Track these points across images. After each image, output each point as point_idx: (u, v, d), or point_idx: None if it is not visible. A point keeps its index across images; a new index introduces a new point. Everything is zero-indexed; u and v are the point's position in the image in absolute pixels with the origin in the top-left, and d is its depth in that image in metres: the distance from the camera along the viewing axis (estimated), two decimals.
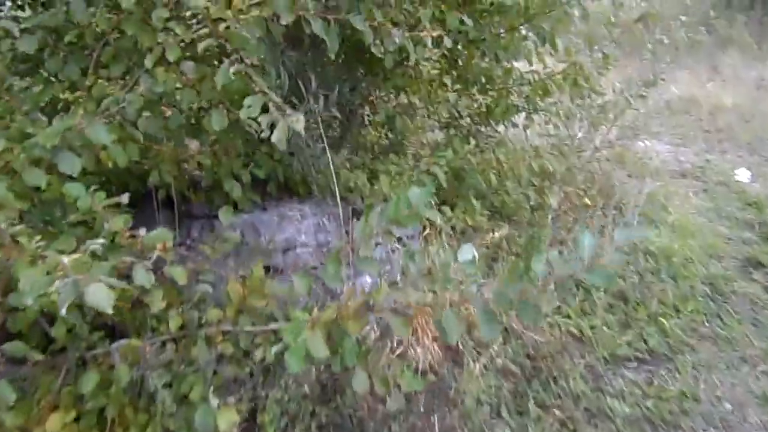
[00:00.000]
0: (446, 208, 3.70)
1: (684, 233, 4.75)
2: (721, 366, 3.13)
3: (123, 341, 2.09)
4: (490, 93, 4.05)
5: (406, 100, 3.80)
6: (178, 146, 2.76)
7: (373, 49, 2.09)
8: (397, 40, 2.18)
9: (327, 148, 2.71)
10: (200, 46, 1.83)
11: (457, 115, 4.65)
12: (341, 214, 2.85)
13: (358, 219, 3.17)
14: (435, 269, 2.11)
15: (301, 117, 1.69)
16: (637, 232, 1.47)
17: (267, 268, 2.97)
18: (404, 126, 3.43)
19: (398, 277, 3.18)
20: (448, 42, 2.33)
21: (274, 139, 1.67)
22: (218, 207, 3.08)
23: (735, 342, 3.37)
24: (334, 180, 2.69)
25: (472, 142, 4.65)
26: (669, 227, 4.84)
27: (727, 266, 4.30)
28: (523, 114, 4.42)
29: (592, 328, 3.41)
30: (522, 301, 1.52)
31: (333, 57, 2.03)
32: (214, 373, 1.90)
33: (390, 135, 4.00)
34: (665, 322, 3.45)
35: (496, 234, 3.74)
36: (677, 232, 4.76)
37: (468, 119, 4.72)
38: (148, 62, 1.88)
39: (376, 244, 2.97)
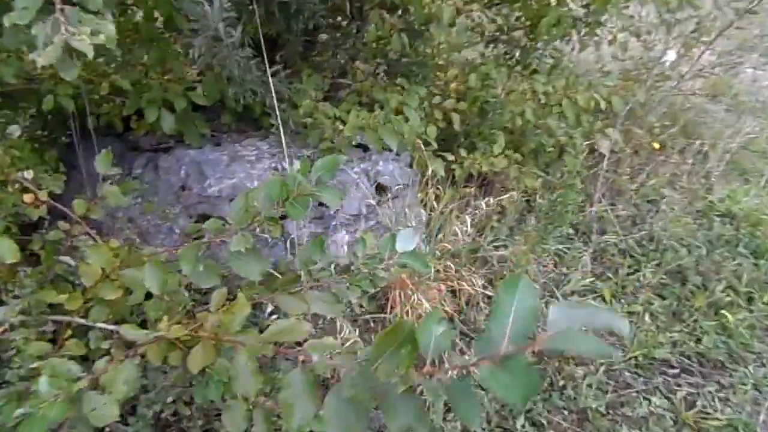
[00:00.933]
0: (463, 150, 2.97)
1: None
2: None
3: None
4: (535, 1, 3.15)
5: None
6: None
7: None
8: None
9: (268, 69, 2.05)
10: None
11: (505, 28, 3.79)
12: (286, 157, 2.23)
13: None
14: (358, 262, 1.49)
15: (88, 31, 1.05)
16: (595, 317, 0.69)
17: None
18: (404, 47, 2.66)
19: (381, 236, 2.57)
20: None
21: (44, 61, 1.05)
22: (167, 138, 2.59)
23: None
24: (277, 111, 2.05)
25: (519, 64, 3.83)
26: (763, 183, 3.86)
27: None
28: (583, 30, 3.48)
29: (630, 315, 2.69)
30: (393, 397, 0.88)
31: None
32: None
33: (404, 55, 3.22)
34: (729, 315, 2.66)
35: (512, 194, 2.98)
36: None
37: (520, 33, 3.83)
38: None
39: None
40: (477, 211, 2.99)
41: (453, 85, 2.95)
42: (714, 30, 3.96)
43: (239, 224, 1.31)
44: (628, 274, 2.96)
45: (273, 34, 2.76)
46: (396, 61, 3.44)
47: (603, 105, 2.93)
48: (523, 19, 3.55)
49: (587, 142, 3.61)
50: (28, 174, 1.91)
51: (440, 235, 2.67)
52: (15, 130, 2.02)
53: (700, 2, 3.87)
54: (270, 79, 2.06)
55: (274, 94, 2.05)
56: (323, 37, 3.15)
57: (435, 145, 2.63)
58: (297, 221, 2.40)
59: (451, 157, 2.73)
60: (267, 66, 2.06)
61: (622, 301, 2.79)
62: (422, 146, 2.48)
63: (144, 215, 2.50)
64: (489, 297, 2.52)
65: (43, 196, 1.82)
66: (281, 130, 2.08)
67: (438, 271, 2.49)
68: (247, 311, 1.22)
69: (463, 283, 2.52)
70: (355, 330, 2.12)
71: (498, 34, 3.83)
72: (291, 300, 1.37)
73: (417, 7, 2.29)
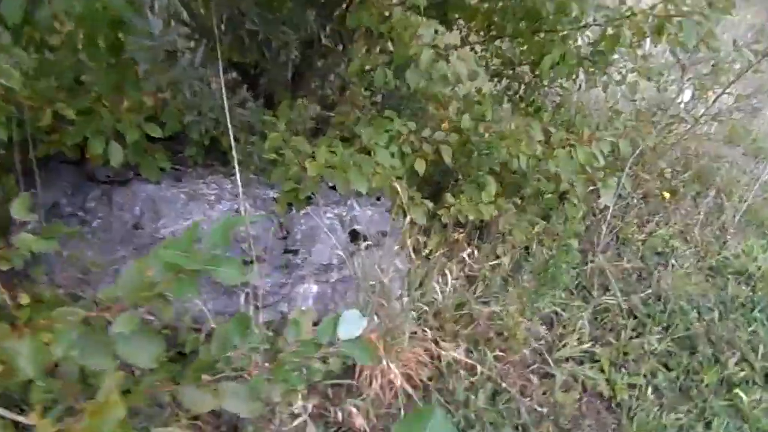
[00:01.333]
0: (449, 196, 2.72)
1: None
2: None
3: None
4: (540, 36, 2.91)
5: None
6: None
7: None
8: None
9: (225, 97, 1.82)
10: None
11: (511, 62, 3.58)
12: (241, 198, 1.99)
13: (297, 208, 2.30)
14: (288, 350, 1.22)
15: None
16: None
17: None
18: (388, 81, 2.41)
19: (354, 288, 2.31)
20: None
21: None
22: (125, 169, 2.36)
23: None
24: (233, 146, 1.81)
25: (523, 101, 3.61)
26: None
27: None
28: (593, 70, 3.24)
29: (630, 388, 2.40)
30: None
31: None
32: None
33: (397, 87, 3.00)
34: (743, 395, 2.36)
35: (501, 258, 2.71)
36: None
37: (525, 68, 3.62)
38: None
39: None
40: (467, 260, 2.73)
41: (445, 125, 2.70)
42: (731, 72, 3.71)
43: (131, 299, 1.06)
44: (630, 338, 2.67)
45: (250, 62, 2.56)
46: (390, 93, 3.22)
47: (602, 160, 2.66)
48: (527, 53, 3.33)
49: (592, 187, 3.35)
50: None
51: (422, 289, 2.40)
52: None
53: (717, 44, 3.63)
54: (227, 108, 1.82)
55: (230, 126, 1.81)
56: (319, 63, 2.93)
57: (409, 192, 2.36)
58: (259, 269, 2.16)
59: (431, 204, 2.47)
60: (224, 93, 1.83)
61: (623, 370, 2.50)
62: (401, 188, 2.22)
63: (94, 251, 2.27)
64: (473, 366, 2.24)
65: None
66: (236, 168, 1.84)
67: (415, 333, 2.22)
68: (121, 413, 0.97)
69: (444, 347, 2.26)
70: (309, 403, 1.84)
71: (503, 68, 3.62)
72: (198, 394, 1.11)
73: (398, 47, 2.05)
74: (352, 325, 1.18)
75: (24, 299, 1.50)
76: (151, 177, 2.23)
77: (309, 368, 1.17)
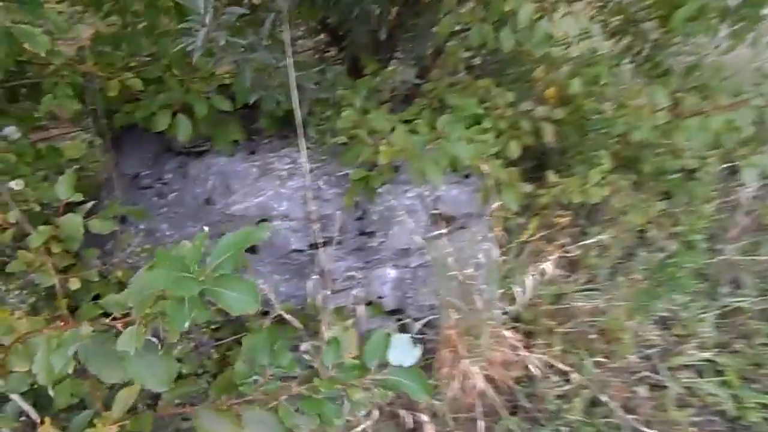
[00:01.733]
0: (553, 174, 2.40)
1: None
2: None
3: None
4: None
5: None
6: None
7: None
8: None
9: (292, 71, 1.63)
10: None
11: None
12: (307, 174, 1.80)
13: (368, 197, 2.07)
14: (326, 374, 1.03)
15: None
16: None
17: None
18: (486, 41, 2.09)
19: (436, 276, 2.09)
20: None
21: None
22: (202, 140, 2.27)
23: None
24: (300, 123, 1.63)
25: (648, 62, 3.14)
26: None
27: None
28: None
29: (763, 408, 2.02)
30: None
31: None
32: None
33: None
34: None
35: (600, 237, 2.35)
36: None
37: (653, 24, 3.13)
38: None
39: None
40: (569, 245, 2.42)
41: (550, 91, 2.36)
42: None
43: (140, 311, 0.91)
44: (763, 344, 2.26)
45: (333, 22, 2.37)
46: (491, 54, 2.90)
47: (746, 130, 2.21)
48: (656, 6, 2.86)
49: (726, 164, 2.86)
50: (17, 184, 1.66)
51: (513, 279, 2.14)
52: (12, 132, 1.79)
53: None
54: (294, 86, 1.64)
55: (297, 107, 1.64)
56: (413, 23, 2.68)
57: (503, 172, 2.07)
58: (332, 251, 2.00)
59: (528, 187, 2.18)
60: (292, 69, 1.64)
61: (754, 385, 2.11)
62: (492, 168, 1.95)
63: (170, 226, 2.22)
64: (564, 372, 1.96)
65: (13, 217, 1.55)
66: (303, 150, 1.67)
67: (502, 329, 1.98)
68: None
69: (535, 347, 2.00)
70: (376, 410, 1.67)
71: (624, 25, 3.15)
72: (217, 420, 0.96)
73: (492, 2, 1.75)
74: (402, 352, 0.97)
75: (74, 284, 1.43)
76: (224, 150, 2.12)
77: (350, 399, 0.97)
